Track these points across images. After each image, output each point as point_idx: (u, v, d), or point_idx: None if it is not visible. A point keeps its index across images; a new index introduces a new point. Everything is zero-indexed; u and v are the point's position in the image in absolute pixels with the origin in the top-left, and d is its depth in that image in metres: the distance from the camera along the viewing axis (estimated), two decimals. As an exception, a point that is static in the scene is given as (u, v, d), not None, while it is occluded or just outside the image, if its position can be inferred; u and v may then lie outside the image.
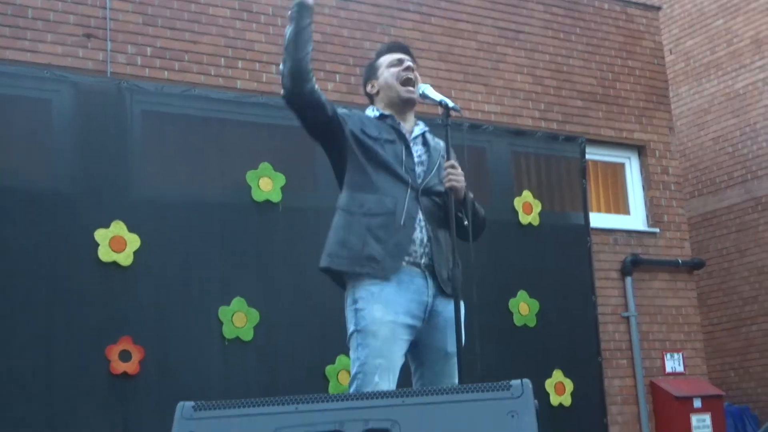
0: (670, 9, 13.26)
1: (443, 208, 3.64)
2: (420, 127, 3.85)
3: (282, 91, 3.60)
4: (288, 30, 3.57)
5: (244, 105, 7.20)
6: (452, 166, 3.58)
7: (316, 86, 3.57)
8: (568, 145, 8.77)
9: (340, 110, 3.72)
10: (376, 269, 3.49)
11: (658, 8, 10.89)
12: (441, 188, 3.66)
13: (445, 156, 3.71)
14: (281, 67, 3.58)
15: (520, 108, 9.03)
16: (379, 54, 3.91)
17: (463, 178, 3.59)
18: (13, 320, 6.03)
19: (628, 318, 9.03)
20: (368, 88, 3.89)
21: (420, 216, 3.61)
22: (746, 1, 12.47)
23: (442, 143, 3.84)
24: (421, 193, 3.64)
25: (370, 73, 3.89)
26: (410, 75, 3.77)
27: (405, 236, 3.55)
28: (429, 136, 3.85)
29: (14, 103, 6.45)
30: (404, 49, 3.91)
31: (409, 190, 3.62)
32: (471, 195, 3.76)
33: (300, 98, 3.55)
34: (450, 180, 3.55)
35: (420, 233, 3.60)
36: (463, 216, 3.58)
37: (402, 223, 3.55)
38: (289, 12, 3.59)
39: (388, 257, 3.51)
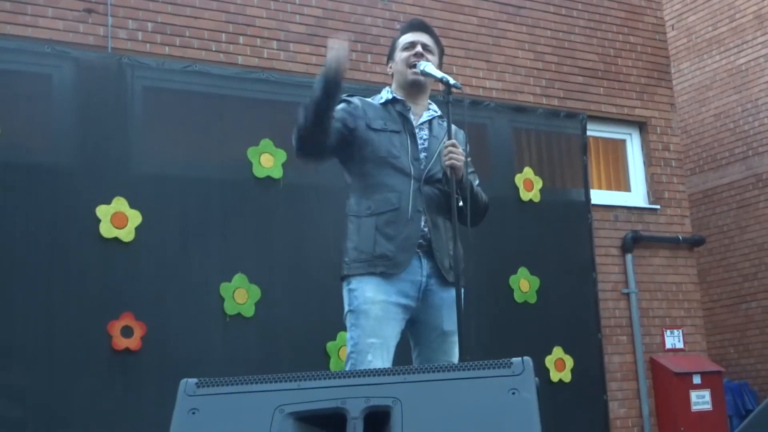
0: (673, -16, 13.20)
1: (443, 194, 3.66)
2: (429, 112, 3.87)
3: (294, 142, 3.60)
4: (317, 94, 3.47)
5: (245, 81, 7.20)
6: (453, 145, 3.58)
7: (330, 143, 3.58)
8: (569, 121, 8.76)
9: (348, 108, 3.69)
10: (389, 266, 3.54)
11: (661, -16, 10.84)
12: (441, 174, 3.68)
13: (450, 140, 3.74)
14: (300, 119, 3.53)
15: (521, 84, 9.01)
16: (401, 32, 3.93)
17: (462, 158, 3.59)
18: (14, 296, 6.06)
19: (628, 294, 9.05)
20: (387, 69, 3.97)
21: (423, 206, 3.63)
22: (749, -24, 12.42)
23: (453, 129, 3.83)
24: (423, 182, 3.67)
25: (390, 53, 3.94)
26: (416, 61, 3.77)
27: (414, 229, 3.60)
28: (436, 121, 3.86)
29: (15, 78, 6.45)
30: (423, 27, 3.91)
31: (412, 182, 3.64)
32: (477, 181, 3.77)
33: (310, 159, 3.73)
34: (450, 158, 3.55)
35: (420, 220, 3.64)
36: (459, 197, 3.58)
37: (409, 216, 3.59)
38: (321, 82, 3.46)
39: (399, 252, 3.56)
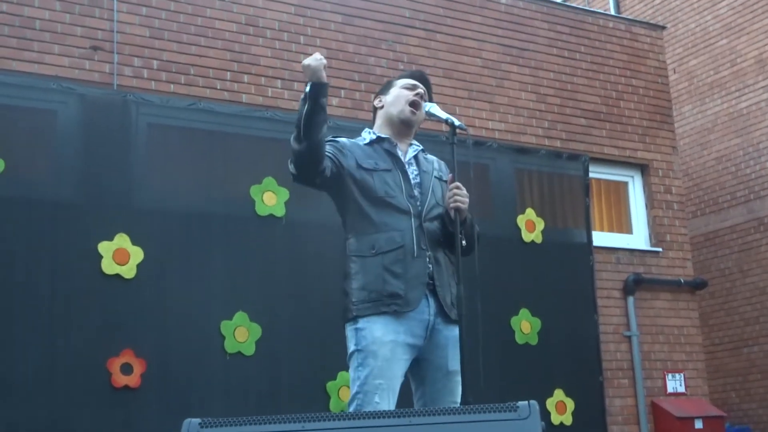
0: (674, 28, 13.29)
1: (442, 231, 3.65)
2: (414, 148, 3.85)
3: (291, 167, 3.56)
4: (302, 108, 3.48)
5: (249, 119, 7.23)
6: (457, 187, 3.58)
7: (325, 164, 3.55)
8: (572, 163, 8.78)
9: (336, 145, 3.68)
10: (401, 304, 3.51)
11: (663, 27, 10.91)
12: (438, 210, 3.69)
13: (439, 175, 3.79)
14: (293, 143, 3.50)
15: (524, 125, 9.04)
16: (400, 77, 3.95)
17: (467, 199, 3.59)
18: (14, 332, 6.03)
19: (629, 337, 9.01)
20: (375, 102, 3.92)
21: (426, 243, 3.62)
22: (750, 21, 12.50)
23: (436, 162, 3.88)
24: (423, 219, 3.65)
25: (383, 89, 3.93)
26: (418, 100, 3.79)
27: (421, 266, 3.57)
28: (421, 156, 3.85)
29: (20, 113, 6.47)
30: (424, 80, 3.92)
31: (413, 219, 3.63)
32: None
33: (308, 181, 3.59)
34: (456, 201, 3.56)
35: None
36: (463, 236, 3.56)
37: (415, 254, 3.57)
38: (306, 90, 3.48)
39: (410, 290, 3.53)
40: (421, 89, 3.82)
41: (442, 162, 3.87)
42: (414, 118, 3.80)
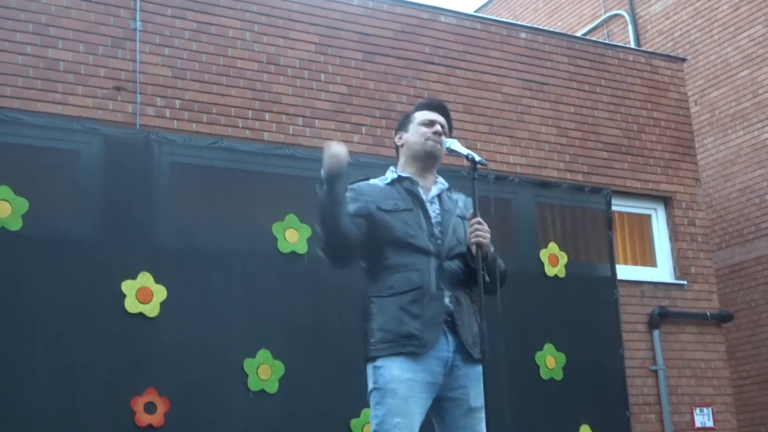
0: (695, 60, 13.27)
1: (464, 270, 3.63)
2: (438, 186, 3.83)
3: (325, 258, 3.59)
4: (320, 192, 3.46)
5: (271, 157, 7.26)
6: (478, 223, 3.56)
7: (352, 237, 3.53)
8: (594, 196, 8.75)
9: (353, 195, 3.66)
10: (417, 345, 3.49)
11: (683, 59, 10.90)
12: (460, 249, 3.66)
13: (462, 214, 3.75)
14: (319, 229, 3.53)
15: (546, 160, 9.03)
16: (417, 108, 3.93)
17: (489, 235, 3.57)
18: (37, 371, 6.04)
19: (656, 371, 8.92)
20: (396, 139, 3.91)
21: (446, 283, 3.60)
22: (771, 52, 12.47)
23: (461, 200, 3.84)
24: (444, 258, 3.63)
25: (402, 124, 3.91)
26: (437, 138, 3.77)
27: (438, 307, 3.56)
28: (445, 194, 3.82)
29: (44, 154, 6.54)
30: (442, 109, 3.91)
31: (432, 260, 3.61)
32: (492, 248, 3.72)
33: (346, 266, 3.65)
34: (477, 236, 3.53)
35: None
36: (485, 272, 3.54)
37: (433, 294, 3.55)
38: (322, 174, 3.45)
39: (426, 331, 3.51)
40: (439, 124, 3.82)
41: (470, 199, 3.79)
42: (439, 148, 3.78)
